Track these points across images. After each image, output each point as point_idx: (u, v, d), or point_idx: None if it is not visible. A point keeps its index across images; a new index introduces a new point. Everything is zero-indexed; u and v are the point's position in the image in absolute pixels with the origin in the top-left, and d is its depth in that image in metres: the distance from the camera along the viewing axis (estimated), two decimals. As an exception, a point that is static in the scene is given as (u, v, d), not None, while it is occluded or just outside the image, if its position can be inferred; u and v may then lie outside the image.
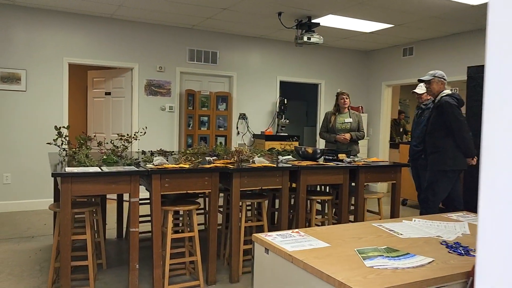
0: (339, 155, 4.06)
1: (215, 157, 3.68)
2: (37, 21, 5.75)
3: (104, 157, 3.51)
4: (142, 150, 4.52)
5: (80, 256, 3.53)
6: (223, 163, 3.47)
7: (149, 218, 4.38)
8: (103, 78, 6.72)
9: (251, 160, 3.64)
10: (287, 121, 7.37)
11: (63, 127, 4.01)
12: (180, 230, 3.96)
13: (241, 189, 3.32)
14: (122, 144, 4.10)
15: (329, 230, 2.11)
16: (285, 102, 7.34)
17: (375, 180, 3.93)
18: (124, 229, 4.59)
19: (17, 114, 5.68)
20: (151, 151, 4.41)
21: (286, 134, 7.34)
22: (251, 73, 7.35)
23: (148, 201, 4.20)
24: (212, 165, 3.26)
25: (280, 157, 3.93)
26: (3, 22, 5.56)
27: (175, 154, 4.36)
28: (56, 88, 5.88)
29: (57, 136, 3.93)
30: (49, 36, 5.82)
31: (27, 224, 5.00)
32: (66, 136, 4.00)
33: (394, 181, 3.96)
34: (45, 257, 3.81)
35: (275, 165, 3.44)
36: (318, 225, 4.30)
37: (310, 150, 3.99)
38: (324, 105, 8.00)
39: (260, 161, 3.55)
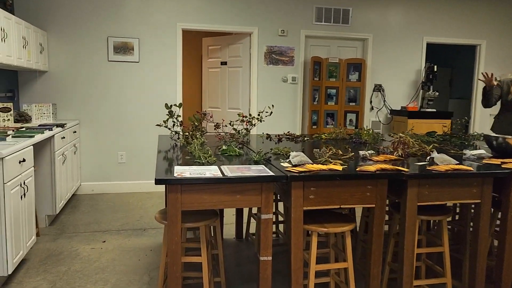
0: (560, 150, 2.68)
1: (372, 151, 2.59)
2: (149, -18, 5.13)
3: (223, 147, 2.67)
4: (267, 134, 3.61)
5: (194, 277, 2.80)
6: (384, 161, 2.39)
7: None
8: (218, 46, 5.97)
9: (427, 158, 2.48)
10: (437, 93, 5.87)
11: (175, 105, 3.28)
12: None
13: (418, 204, 2.22)
14: (244, 128, 3.24)
15: None
16: (435, 70, 5.83)
17: None
18: (244, 228, 3.81)
19: (130, 88, 5.21)
20: (279, 136, 3.48)
21: (435, 110, 5.88)
22: (391, 34, 5.96)
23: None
24: (376, 166, 2.18)
25: (467, 152, 2.69)
26: (115, -14, 5.05)
27: (308, 139, 3.37)
28: (170, 58, 5.26)
29: (168, 117, 3.22)
30: (162, 0, 5.18)
31: (140, 210, 4.53)
32: (178, 116, 3.27)
33: None
34: (156, 262, 3.19)
35: (472, 169, 2.24)
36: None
37: (513, 141, 2.67)
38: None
39: (443, 160, 2.38)
